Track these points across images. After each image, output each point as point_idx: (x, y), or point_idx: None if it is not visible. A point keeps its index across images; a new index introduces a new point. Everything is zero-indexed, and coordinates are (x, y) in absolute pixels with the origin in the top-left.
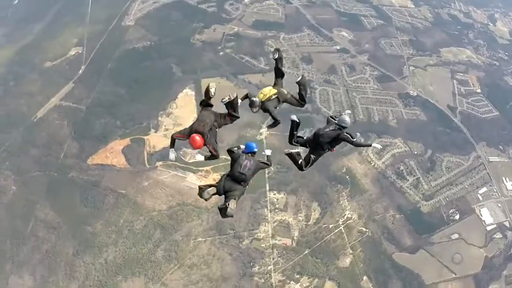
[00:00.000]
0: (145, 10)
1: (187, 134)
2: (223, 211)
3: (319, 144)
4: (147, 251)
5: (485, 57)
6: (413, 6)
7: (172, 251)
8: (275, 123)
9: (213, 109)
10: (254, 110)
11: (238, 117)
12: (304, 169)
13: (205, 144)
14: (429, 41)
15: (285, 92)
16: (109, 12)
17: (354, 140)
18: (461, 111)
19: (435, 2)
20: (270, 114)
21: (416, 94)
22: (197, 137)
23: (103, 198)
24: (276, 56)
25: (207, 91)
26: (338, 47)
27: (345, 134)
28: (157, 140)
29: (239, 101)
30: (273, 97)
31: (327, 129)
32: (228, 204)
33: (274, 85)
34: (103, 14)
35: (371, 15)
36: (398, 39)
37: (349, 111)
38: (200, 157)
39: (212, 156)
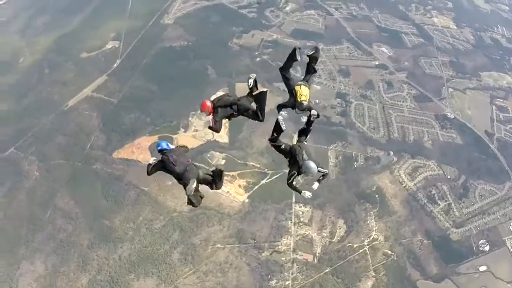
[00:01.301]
0: (185, 10)
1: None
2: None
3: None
4: (163, 252)
5: None
6: (456, 28)
7: (189, 255)
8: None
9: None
10: (300, 113)
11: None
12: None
13: (211, 113)
14: (469, 64)
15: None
16: (150, 8)
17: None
18: (498, 138)
19: (478, 25)
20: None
21: (453, 116)
22: (208, 102)
23: (125, 193)
24: (311, 53)
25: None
26: (377, 63)
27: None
28: (186, 140)
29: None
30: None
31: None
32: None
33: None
34: (143, 10)
35: (412, 33)
36: (438, 59)
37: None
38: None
39: (210, 128)
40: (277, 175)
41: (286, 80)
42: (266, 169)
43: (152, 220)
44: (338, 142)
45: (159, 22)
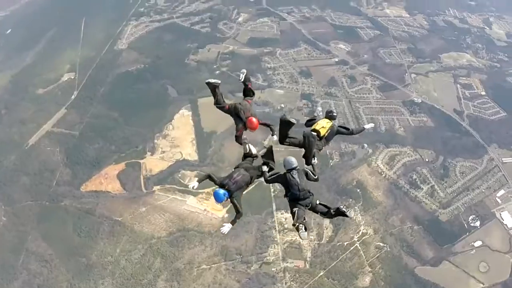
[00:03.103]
0: (137, 34)
1: (242, 124)
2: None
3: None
4: (146, 282)
5: (485, 59)
6: (408, 16)
7: (174, 281)
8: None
9: None
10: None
11: (254, 93)
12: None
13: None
14: (427, 48)
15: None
16: (102, 36)
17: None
18: (468, 114)
19: (430, 11)
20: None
21: (420, 101)
22: (253, 119)
23: (98, 226)
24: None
25: (212, 86)
26: (337, 59)
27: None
28: (154, 163)
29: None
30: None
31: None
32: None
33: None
34: (96, 39)
35: (367, 26)
36: (396, 48)
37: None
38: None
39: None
40: (253, 185)
41: (292, 139)
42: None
43: (131, 250)
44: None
45: (113, 49)
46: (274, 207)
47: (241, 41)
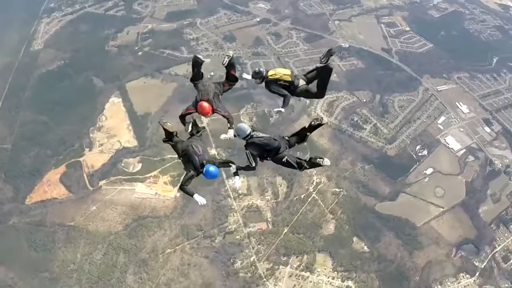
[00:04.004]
0: (52, 31)
1: (194, 106)
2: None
3: None
4: (115, 280)
5: None
6: None
7: (143, 273)
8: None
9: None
10: (258, 82)
11: (237, 79)
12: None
13: (213, 111)
14: None
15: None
16: (15, 40)
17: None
18: (396, 51)
19: None
20: (278, 94)
21: (348, 45)
22: (204, 103)
23: (52, 236)
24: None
25: (195, 61)
26: (258, 19)
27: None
28: (95, 158)
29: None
30: (282, 81)
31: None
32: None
33: None
34: (9, 44)
35: None
36: None
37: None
38: (238, 183)
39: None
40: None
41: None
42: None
43: (91, 252)
44: (247, 105)
45: (30, 50)
46: (224, 175)
47: (159, 18)
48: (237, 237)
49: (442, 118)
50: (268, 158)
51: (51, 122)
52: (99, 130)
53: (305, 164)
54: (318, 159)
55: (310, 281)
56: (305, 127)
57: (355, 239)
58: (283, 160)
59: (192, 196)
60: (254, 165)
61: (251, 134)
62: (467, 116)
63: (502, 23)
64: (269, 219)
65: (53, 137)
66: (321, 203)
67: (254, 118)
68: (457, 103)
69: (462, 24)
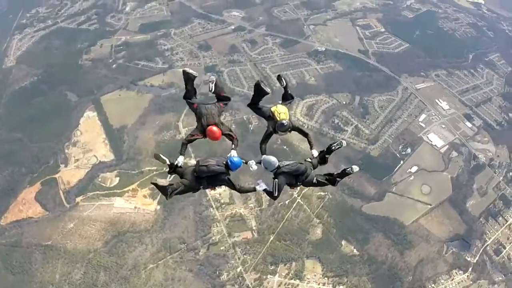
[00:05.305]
0: (24, 47)
1: (200, 131)
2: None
3: None
4: None
5: None
6: None
7: None
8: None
9: None
10: (283, 134)
11: (230, 98)
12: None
13: (222, 134)
14: None
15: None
16: None
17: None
18: (373, 52)
19: None
20: (302, 132)
21: (324, 49)
22: (214, 128)
23: (29, 257)
24: (284, 85)
25: (188, 77)
26: (233, 27)
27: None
28: (70, 174)
29: None
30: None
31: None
32: None
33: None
34: None
35: None
36: (289, 5)
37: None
38: (263, 186)
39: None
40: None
41: (259, 110)
42: (164, 168)
43: (70, 272)
44: (225, 113)
45: (2, 68)
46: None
47: (133, 30)
48: (221, 248)
49: (423, 116)
50: (299, 184)
51: (25, 139)
52: (74, 145)
53: (337, 178)
54: (347, 170)
55: None
56: (322, 150)
57: (343, 242)
58: (314, 181)
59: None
60: (276, 195)
61: (278, 164)
62: (447, 112)
63: (475, 20)
64: (254, 228)
65: (27, 154)
66: (307, 208)
67: (234, 126)
68: (437, 100)
69: (436, 23)
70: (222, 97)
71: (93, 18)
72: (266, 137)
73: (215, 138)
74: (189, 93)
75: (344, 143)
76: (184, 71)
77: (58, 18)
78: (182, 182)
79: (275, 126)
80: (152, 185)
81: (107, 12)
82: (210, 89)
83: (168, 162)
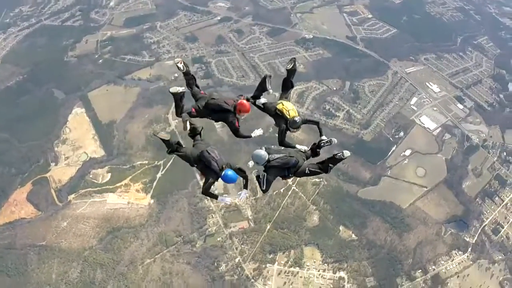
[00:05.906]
0: (8, 46)
1: (233, 114)
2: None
3: None
4: None
5: None
6: None
7: (123, 287)
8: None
9: None
10: (295, 131)
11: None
12: None
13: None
14: None
15: None
16: None
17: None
18: (361, 38)
19: None
20: (312, 122)
21: (312, 36)
22: (245, 101)
23: (24, 258)
24: (290, 67)
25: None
26: (219, 18)
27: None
28: (61, 172)
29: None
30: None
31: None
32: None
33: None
34: None
35: None
36: None
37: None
38: (244, 196)
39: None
40: (171, 161)
41: (262, 108)
42: (156, 162)
43: (66, 271)
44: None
45: None
46: (198, 177)
47: (118, 24)
48: (218, 239)
49: (415, 99)
50: (290, 175)
51: (13, 140)
52: (63, 143)
53: (330, 165)
54: (338, 155)
55: (301, 276)
56: (315, 143)
57: (341, 228)
58: (306, 172)
59: (216, 199)
60: (265, 189)
61: (268, 158)
62: (438, 95)
63: (462, 4)
64: (250, 217)
65: (16, 154)
66: (302, 195)
67: None
68: (427, 84)
69: (423, 8)
70: (191, 76)
71: (77, 14)
72: (282, 134)
73: (247, 111)
74: (183, 108)
75: (335, 140)
76: (171, 93)
77: (42, 16)
78: (184, 149)
79: (287, 124)
80: (154, 136)
81: (91, 8)
82: (181, 69)
83: (168, 138)
